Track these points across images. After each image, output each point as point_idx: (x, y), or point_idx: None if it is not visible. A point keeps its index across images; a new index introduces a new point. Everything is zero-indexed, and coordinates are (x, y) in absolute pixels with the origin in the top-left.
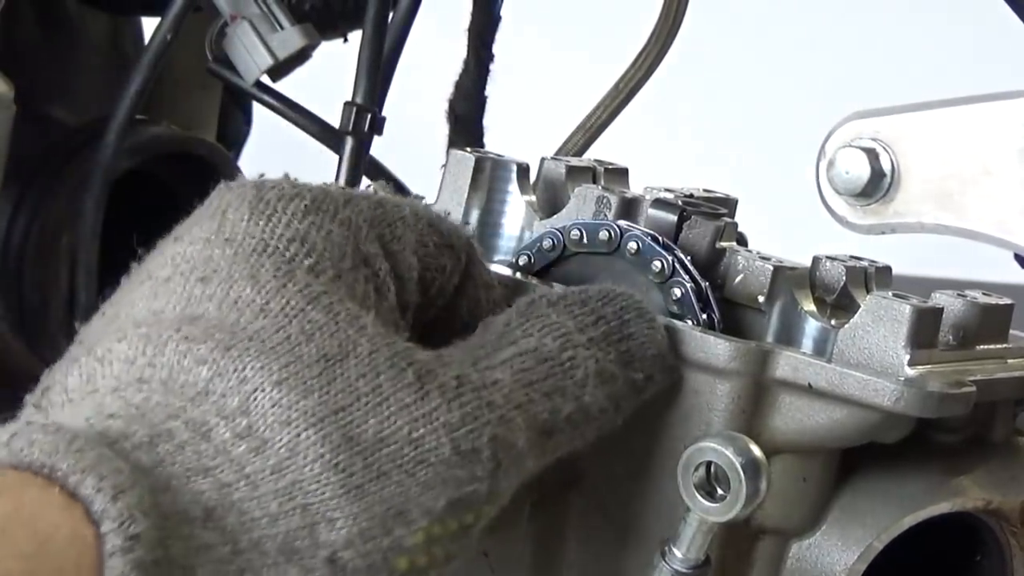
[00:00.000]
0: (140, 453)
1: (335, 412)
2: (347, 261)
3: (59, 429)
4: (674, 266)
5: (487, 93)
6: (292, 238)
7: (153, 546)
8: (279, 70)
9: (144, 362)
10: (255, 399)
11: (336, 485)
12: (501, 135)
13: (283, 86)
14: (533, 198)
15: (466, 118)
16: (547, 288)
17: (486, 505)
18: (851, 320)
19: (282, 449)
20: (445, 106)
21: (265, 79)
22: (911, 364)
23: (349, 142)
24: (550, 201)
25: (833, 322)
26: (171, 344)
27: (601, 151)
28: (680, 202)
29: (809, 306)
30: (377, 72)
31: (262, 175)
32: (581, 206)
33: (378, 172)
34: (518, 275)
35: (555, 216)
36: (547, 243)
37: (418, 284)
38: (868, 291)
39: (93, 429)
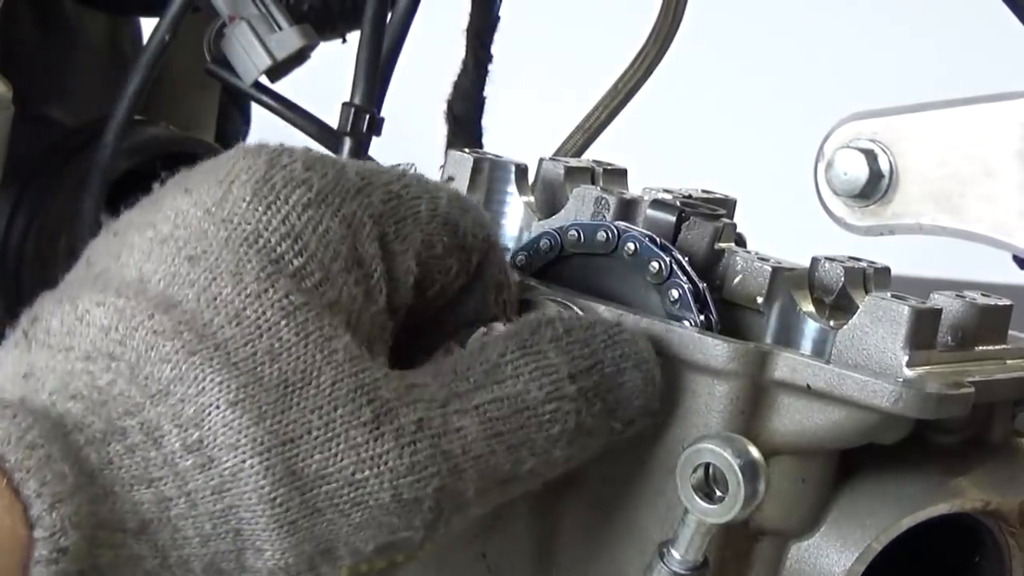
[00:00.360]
0: (91, 450)
1: (283, 443)
2: (339, 262)
3: (17, 414)
4: (672, 267)
5: (486, 94)
6: (286, 234)
7: (80, 558)
8: (277, 71)
9: (117, 338)
10: (209, 414)
11: (270, 518)
12: (500, 136)
13: (281, 87)
14: (532, 199)
15: (464, 119)
16: (556, 312)
17: (419, 549)
18: (850, 321)
19: (226, 471)
20: (443, 107)
21: (263, 80)
22: (910, 365)
23: (347, 143)
24: (549, 202)
25: (832, 323)
26: (141, 331)
27: (600, 152)
28: (679, 203)
29: (808, 307)
30: (375, 73)
31: (281, 144)
32: (579, 207)
33: None
34: (516, 276)
35: (553, 217)
36: (545, 244)
37: (414, 288)
38: (867, 292)
39: (54, 411)
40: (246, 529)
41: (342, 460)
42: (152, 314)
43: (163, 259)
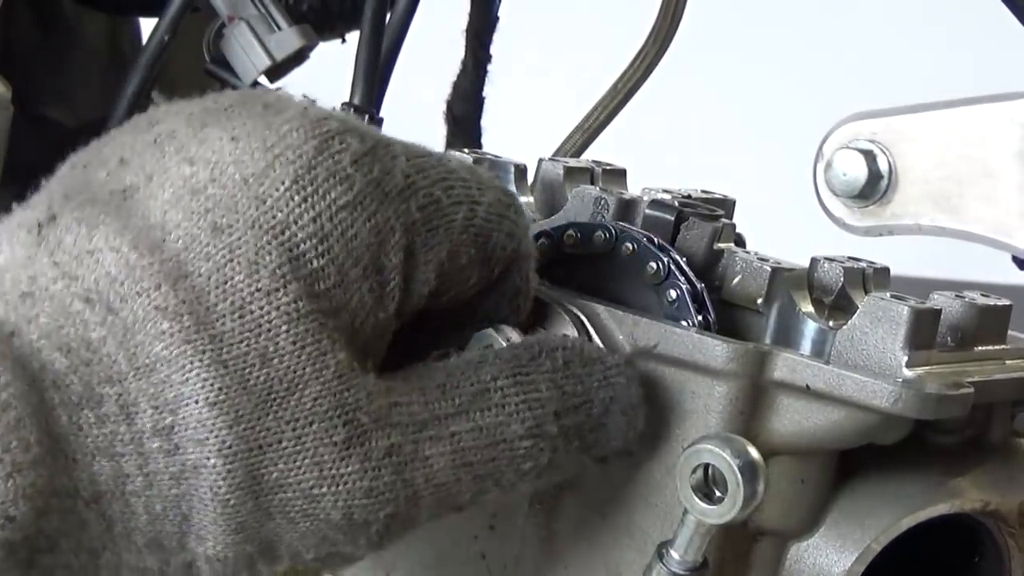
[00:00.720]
0: (63, 412)
1: (250, 450)
2: (358, 269)
3: None
4: (670, 268)
5: (485, 94)
6: (313, 233)
7: (26, 526)
8: (277, 71)
9: (121, 292)
10: (187, 405)
11: (219, 515)
12: (499, 136)
13: (281, 87)
14: (531, 199)
15: (464, 119)
16: (560, 340)
17: (359, 561)
18: (849, 321)
19: (188, 463)
20: (443, 107)
21: (263, 80)
22: (909, 365)
23: None
24: (548, 202)
25: (831, 323)
26: (144, 298)
27: (599, 152)
28: (677, 203)
29: (807, 307)
30: (375, 73)
31: (343, 119)
32: (579, 207)
33: None
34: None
35: (553, 217)
36: (543, 244)
37: (428, 296)
38: (866, 292)
39: (38, 359)
40: (195, 518)
41: (304, 474)
42: (159, 284)
43: (189, 214)
